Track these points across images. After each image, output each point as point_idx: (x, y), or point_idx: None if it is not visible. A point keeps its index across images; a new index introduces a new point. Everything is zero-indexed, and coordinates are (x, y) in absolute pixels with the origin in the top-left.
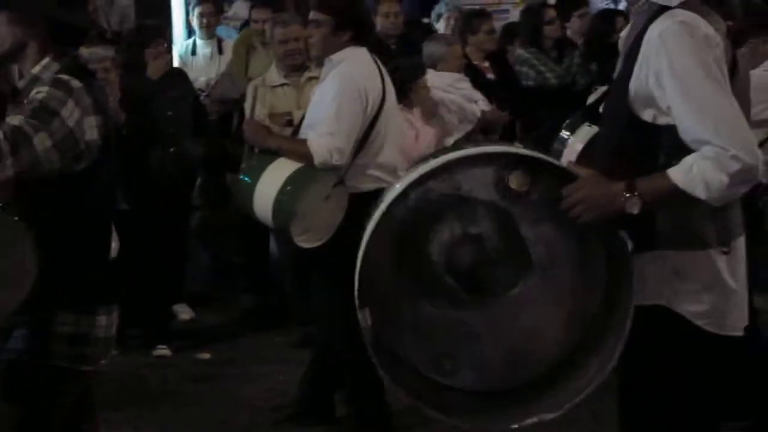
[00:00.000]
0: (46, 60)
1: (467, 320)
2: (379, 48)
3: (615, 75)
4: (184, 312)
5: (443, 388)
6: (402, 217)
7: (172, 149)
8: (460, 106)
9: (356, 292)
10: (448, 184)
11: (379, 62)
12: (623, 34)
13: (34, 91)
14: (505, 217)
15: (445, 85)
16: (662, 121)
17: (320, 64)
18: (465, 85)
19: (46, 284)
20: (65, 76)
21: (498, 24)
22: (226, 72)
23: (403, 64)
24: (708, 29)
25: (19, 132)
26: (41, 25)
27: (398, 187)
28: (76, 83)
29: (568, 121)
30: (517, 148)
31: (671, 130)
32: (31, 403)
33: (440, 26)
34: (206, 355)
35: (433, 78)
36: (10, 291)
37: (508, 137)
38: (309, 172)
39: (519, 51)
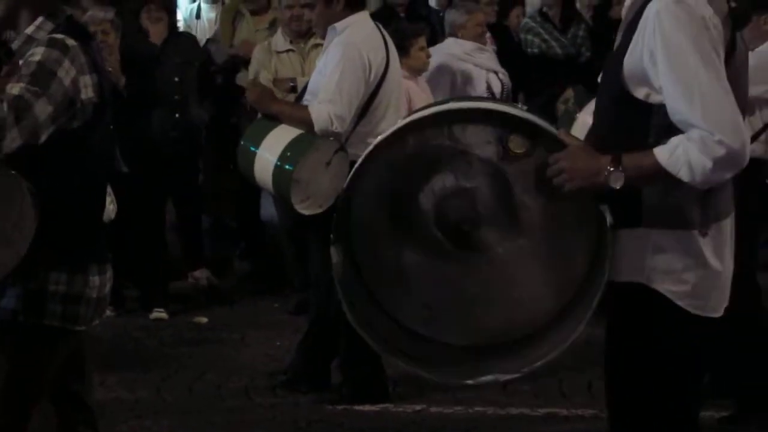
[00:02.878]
0: (39, 20)
1: (449, 273)
2: (387, 14)
3: (615, 46)
4: (204, 278)
5: (415, 336)
6: (396, 160)
7: (176, 114)
8: (469, 76)
9: (333, 225)
10: (448, 135)
11: (383, 30)
12: (627, 3)
13: (29, 52)
14: (500, 176)
15: (462, 53)
16: (655, 99)
17: (323, 36)
18: (485, 55)
19: (40, 242)
20: (60, 35)
21: None
22: (211, 38)
23: (402, 26)
24: (706, 10)
25: (21, 101)
26: None
27: (396, 125)
28: (71, 41)
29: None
30: (519, 111)
31: (663, 108)
32: (24, 362)
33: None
34: (203, 320)
35: (451, 45)
36: (8, 248)
37: None
38: (309, 138)
39: (525, 19)
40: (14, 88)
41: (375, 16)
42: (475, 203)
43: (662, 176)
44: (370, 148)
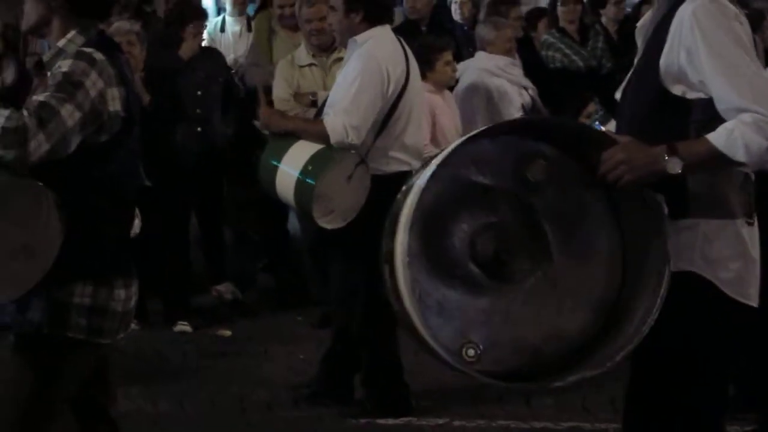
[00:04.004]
0: (71, 33)
1: (488, 307)
2: (410, 29)
3: (637, 60)
4: (228, 292)
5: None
6: (428, 201)
7: (198, 128)
8: (504, 92)
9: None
10: (472, 172)
11: (404, 44)
12: (641, 23)
13: (57, 65)
14: (525, 206)
15: (496, 67)
16: (692, 95)
17: (345, 46)
18: (516, 71)
19: (66, 255)
20: (88, 49)
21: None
22: (252, 62)
23: (428, 40)
24: (736, 8)
25: (46, 106)
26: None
27: (431, 168)
28: (99, 55)
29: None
30: (552, 118)
31: (701, 104)
32: (48, 374)
33: (454, 12)
34: (227, 333)
35: (484, 60)
36: (34, 261)
37: None
38: (329, 153)
39: (544, 36)
40: (39, 96)
41: (397, 31)
42: (507, 234)
43: (718, 160)
44: (418, 195)
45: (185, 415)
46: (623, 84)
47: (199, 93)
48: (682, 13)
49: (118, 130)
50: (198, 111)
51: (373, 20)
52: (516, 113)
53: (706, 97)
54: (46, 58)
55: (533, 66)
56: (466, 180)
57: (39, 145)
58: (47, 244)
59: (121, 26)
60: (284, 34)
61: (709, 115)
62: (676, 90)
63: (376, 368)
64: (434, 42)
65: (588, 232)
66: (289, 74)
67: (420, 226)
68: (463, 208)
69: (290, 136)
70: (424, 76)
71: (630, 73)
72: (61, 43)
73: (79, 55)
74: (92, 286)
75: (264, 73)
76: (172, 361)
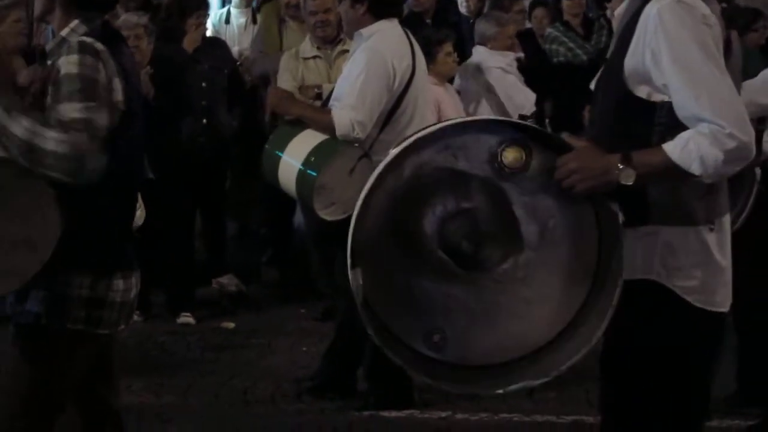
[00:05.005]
0: (74, 23)
1: (458, 295)
2: (414, 21)
3: (609, 53)
4: (231, 284)
5: (427, 359)
6: (396, 188)
7: (204, 120)
8: (519, 88)
9: (349, 251)
10: (444, 158)
11: (411, 37)
12: (618, 12)
13: (63, 60)
14: (498, 193)
15: (505, 64)
16: (657, 98)
17: (351, 37)
18: (514, 69)
19: (64, 245)
20: (89, 39)
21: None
22: (258, 49)
23: (428, 32)
24: (704, 9)
25: (88, 123)
26: None
27: (392, 152)
28: (100, 46)
29: None
30: (511, 120)
31: (665, 107)
32: (47, 365)
33: (460, 5)
34: (230, 325)
35: (495, 57)
36: (32, 254)
37: (538, 117)
38: (333, 144)
39: (548, 30)
40: (71, 111)
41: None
42: (477, 223)
43: (673, 172)
44: (371, 181)
45: (189, 408)
46: (598, 75)
47: (203, 85)
48: (648, 12)
49: (118, 122)
50: (203, 103)
51: (378, 13)
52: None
53: (670, 100)
54: (49, 46)
55: (536, 60)
56: (438, 165)
57: (98, 160)
58: (46, 237)
59: (128, 19)
60: (294, 25)
61: (673, 119)
62: (641, 92)
63: (380, 361)
64: (434, 34)
65: (566, 231)
66: (293, 67)
67: (391, 213)
68: (434, 193)
69: (296, 125)
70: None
71: (604, 64)
72: (64, 32)
73: (82, 48)
74: (91, 277)
75: (274, 61)
76: (175, 354)
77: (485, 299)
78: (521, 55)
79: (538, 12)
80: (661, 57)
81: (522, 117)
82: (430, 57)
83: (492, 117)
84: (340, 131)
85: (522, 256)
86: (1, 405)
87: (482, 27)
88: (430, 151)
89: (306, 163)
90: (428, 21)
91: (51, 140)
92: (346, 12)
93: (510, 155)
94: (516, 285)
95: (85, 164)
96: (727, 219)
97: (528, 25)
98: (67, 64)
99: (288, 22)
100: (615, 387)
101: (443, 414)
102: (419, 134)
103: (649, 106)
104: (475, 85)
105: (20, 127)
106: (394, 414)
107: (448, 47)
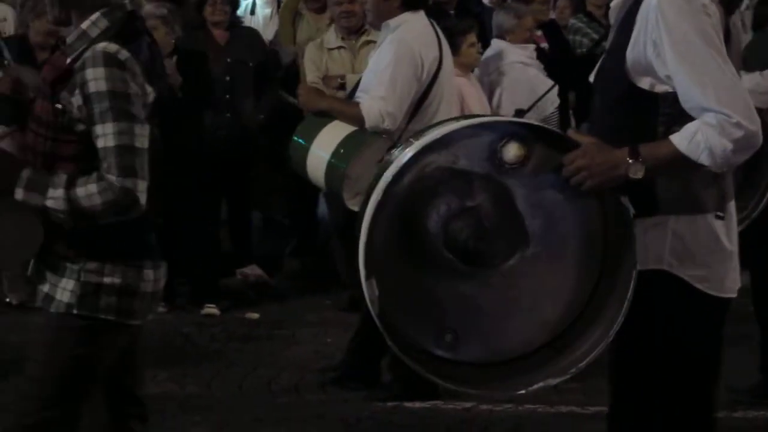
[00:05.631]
0: (95, 15)
1: (468, 293)
2: (436, 11)
3: (608, 46)
4: (255, 275)
5: (446, 361)
6: (400, 191)
7: (227, 114)
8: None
9: (362, 264)
10: (445, 158)
11: (437, 28)
12: (614, 4)
13: (90, 71)
14: (501, 189)
15: (525, 57)
16: (660, 89)
17: (377, 28)
18: (534, 60)
19: (94, 236)
20: (113, 48)
21: None
22: (273, 40)
23: (451, 23)
24: None
25: (125, 152)
26: None
27: (394, 167)
28: (123, 54)
29: None
30: (515, 118)
31: (669, 97)
32: (78, 355)
33: None
34: (254, 316)
35: (515, 50)
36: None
37: (561, 108)
38: (362, 136)
39: (572, 20)
40: (111, 138)
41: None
42: (481, 220)
43: (681, 163)
44: (378, 195)
45: (213, 398)
46: (597, 65)
47: (227, 78)
48: (648, 3)
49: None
50: (227, 97)
51: (410, 5)
52: (554, 103)
53: (674, 90)
54: (69, 40)
55: (560, 51)
56: (439, 165)
57: (144, 190)
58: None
59: (146, 10)
60: (309, 17)
61: (678, 109)
62: (644, 83)
63: None
64: (458, 24)
65: (570, 227)
66: (317, 57)
67: (394, 215)
68: (436, 194)
69: (324, 116)
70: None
71: (601, 58)
72: (84, 24)
73: (108, 62)
74: (122, 266)
75: (284, 53)
76: (199, 344)
77: (494, 295)
78: (545, 45)
79: (561, 2)
80: (664, 48)
81: (518, 111)
82: (453, 48)
83: (490, 117)
84: (369, 122)
85: (528, 251)
86: (32, 394)
87: (500, 19)
88: (433, 154)
89: (335, 154)
90: (451, 12)
91: (96, 195)
92: (377, 3)
93: (510, 152)
94: (524, 279)
95: (139, 202)
96: (732, 205)
97: (552, 15)
98: (95, 80)
99: (304, 14)
100: (626, 378)
101: (467, 405)
102: (423, 141)
103: (652, 97)
104: (495, 78)
105: (53, 199)
106: (418, 404)
107: (472, 38)
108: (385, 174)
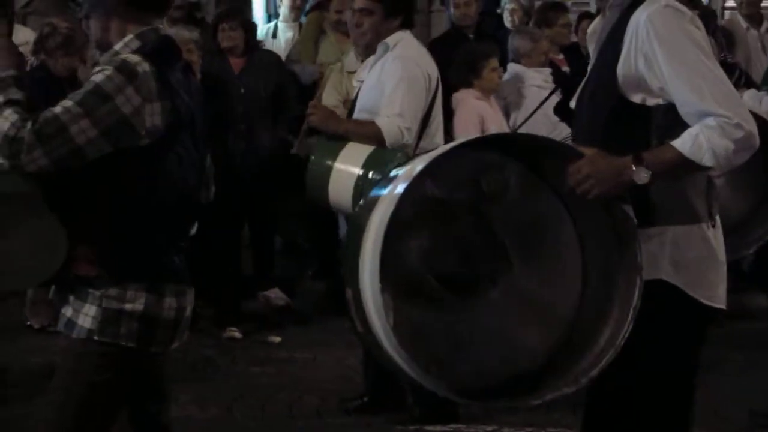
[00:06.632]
0: (128, 37)
1: (453, 323)
2: (456, 35)
3: (590, 67)
4: (278, 298)
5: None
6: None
7: (243, 144)
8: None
9: (378, 273)
10: (425, 187)
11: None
12: (591, 29)
13: (98, 68)
14: (483, 218)
15: (541, 80)
16: (652, 102)
17: (372, 50)
18: (551, 84)
19: (116, 261)
20: (135, 59)
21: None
22: (290, 59)
23: (474, 47)
24: (690, 11)
25: (54, 121)
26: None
27: (391, 203)
28: (144, 67)
29: None
30: (514, 133)
31: (661, 109)
32: (99, 382)
33: (505, 19)
34: (276, 339)
35: (530, 74)
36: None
37: None
38: (383, 155)
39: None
40: (58, 106)
41: (444, 38)
42: (464, 249)
43: (685, 166)
44: (381, 237)
45: (234, 421)
46: (578, 91)
47: (241, 110)
48: (637, 19)
49: (161, 137)
50: (242, 126)
51: (407, 25)
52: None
53: (666, 102)
54: (103, 59)
55: (581, 74)
56: (421, 194)
57: (33, 160)
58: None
59: (179, 34)
60: (333, 38)
61: (670, 121)
62: (636, 98)
63: None
64: (481, 49)
65: (551, 247)
66: (338, 81)
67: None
68: (420, 224)
69: (338, 139)
70: (470, 83)
71: (584, 80)
72: (117, 46)
73: (120, 67)
74: (144, 292)
75: (305, 72)
76: (221, 367)
77: (482, 323)
78: (566, 69)
79: (584, 25)
80: (657, 60)
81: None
82: (474, 72)
83: (473, 138)
84: (390, 140)
85: (510, 273)
86: (53, 420)
87: (516, 43)
88: (414, 183)
89: (366, 166)
90: (471, 36)
91: (7, 122)
92: (377, 24)
93: (490, 181)
94: (509, 303)
95: (19, 156)
96: (718, 217)
97: (573, 38)
98: (99, 73)
99: (328, 35)
100: (614, 386)
101: (489, 428)
102: (418, 169)
103: (644, 111)
104: (510, 101)
105: None
106: (439, 428)
107: (494, 63)
108: (387, 203)
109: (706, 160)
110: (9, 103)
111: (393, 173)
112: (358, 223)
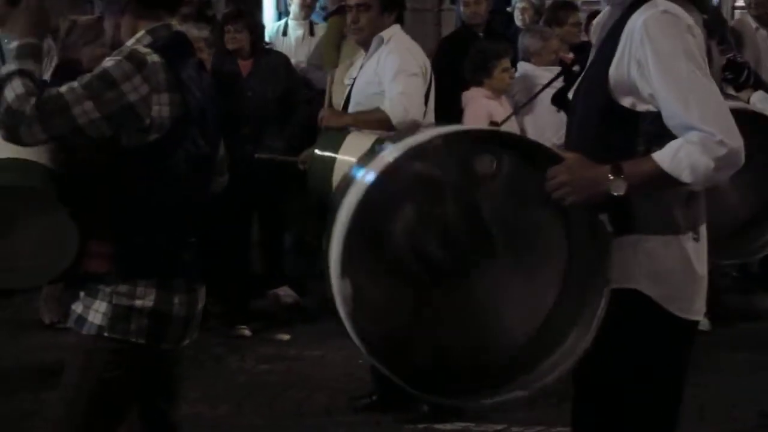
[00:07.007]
0: (140, 33)
1: (430, 303)
2: (466, 34)
3: (589, 62)
4: (287, 296)
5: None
6: (373, 198)
7: (250, 146)
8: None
9: (340, 260)
10: (415, 164)
11: None
12: (596, 21)
13: (108, 59)
14: (470, 200)
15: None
16: (641, 107)
17: (366, 44)
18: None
19: (126, 258)
20: (145, 50)
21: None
22: (313, 62)
23: (486, 46)
24: (689, 19)
25: (58, 100)
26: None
27: (372, 175)
28: (153, 58)
29: None
30: (496, 128)
31: (650, 116)
32: (108, 379)
33: (516, 18)
34: (285, 337)
35: (540, 72)
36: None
37: None
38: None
39: None
40: (64, 86)
41: (454, 36)
42: (448, 230)
43: (663, 181)
44: (348, 223)
45: (243, 419)
46: (577, 83)
47: (247, 112)
48: (633, 23)
49: (169, 131)
50: (246, 131)
51: (400, 19)
52: None
53: (656, 110)
54: (113, 54)
55: None
56: (409, 171)
57: (32, 134)
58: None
59: (190, 32)
60: (352, 41)
61: (659, 128)
62: (625, 102)
63: None
64: (493, 48)
65: (536, 243)
66: (345, 78)
67: (360, 221)
68: (405, 200)
69: (339, 131)
70: (481, 82)
71: (583, 73)
72: (129, 42)
73: (130, 56)
74: (154, 288)
75: (330, 75)
76: (230, 365)
77: (458, 304)
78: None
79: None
80: (648, 67)
81: (493, 123)
82: (486, 71)
83: (465, 127)
84: (396, 119)
85: (493, 260)
86: (63, 416)
87: (526, 42)
88: (408, 161)
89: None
90: (480, 34)
91: (13, 92)
92: (373, 19)
93: (483, 163)
94: (487, 289)
95: (18, 129)
96: (704, 228)
97: (584, 37)
98: (108, 60)
99: (348, 39)
100: (589, 398)
101: (498, 427)
102: (397, 151)
103: (633, 115)
104: (519, 100)
105: (6, 68)
106: (448, 426)
107: (506, 63)
108: (365, 177)
109: (685, 177)
110: (21, 73)
111: (378, 149)
112: (332, 203)
